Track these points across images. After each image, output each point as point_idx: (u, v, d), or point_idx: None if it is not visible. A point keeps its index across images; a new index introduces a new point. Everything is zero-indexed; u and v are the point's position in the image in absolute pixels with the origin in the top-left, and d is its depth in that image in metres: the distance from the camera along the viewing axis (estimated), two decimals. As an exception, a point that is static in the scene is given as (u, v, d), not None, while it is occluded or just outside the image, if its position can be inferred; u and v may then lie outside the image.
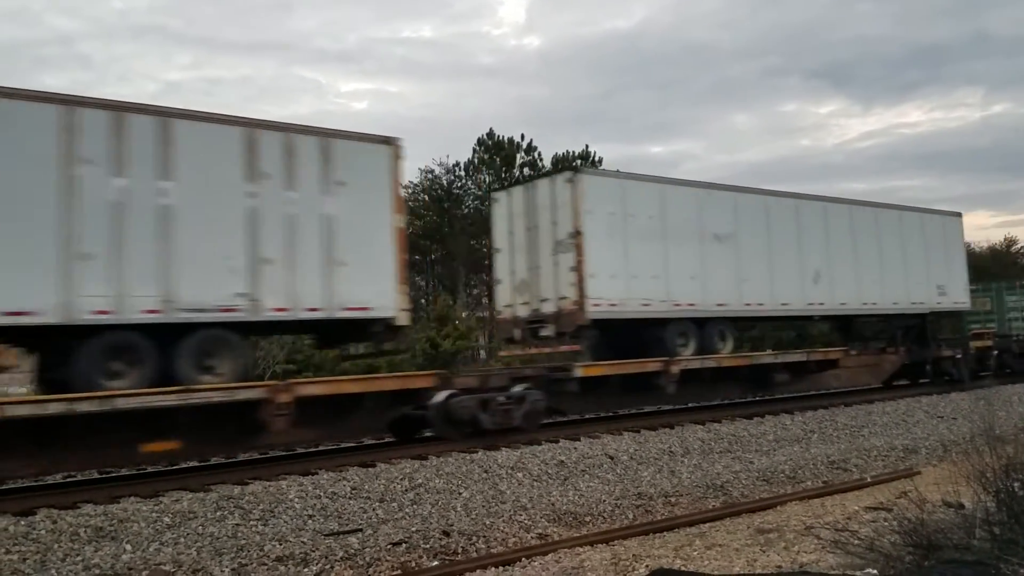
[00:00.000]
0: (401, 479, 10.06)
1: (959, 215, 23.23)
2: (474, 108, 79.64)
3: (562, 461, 11.33)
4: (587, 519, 8.86)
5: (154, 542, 7.65)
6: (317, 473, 10.37)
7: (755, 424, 14.79)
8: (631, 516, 9.07)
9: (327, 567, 7.13)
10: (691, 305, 16.22)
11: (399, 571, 7.11)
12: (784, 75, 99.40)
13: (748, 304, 17.21)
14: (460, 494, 9.62)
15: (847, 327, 20.90)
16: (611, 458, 11.68)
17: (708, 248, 16.64)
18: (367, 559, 7.31)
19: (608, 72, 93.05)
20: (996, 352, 23.23)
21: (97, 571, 6.84)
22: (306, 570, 7.06)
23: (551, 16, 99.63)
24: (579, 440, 12.78)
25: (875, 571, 5.79)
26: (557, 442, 12.58)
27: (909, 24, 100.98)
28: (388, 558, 7.37)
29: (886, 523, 7.39)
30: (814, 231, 18.80)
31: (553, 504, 9.23)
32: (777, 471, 11.25)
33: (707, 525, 8.46)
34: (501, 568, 7.07)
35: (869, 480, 10.67)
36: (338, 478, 10.07)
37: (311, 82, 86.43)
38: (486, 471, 10.64)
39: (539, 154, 41.22)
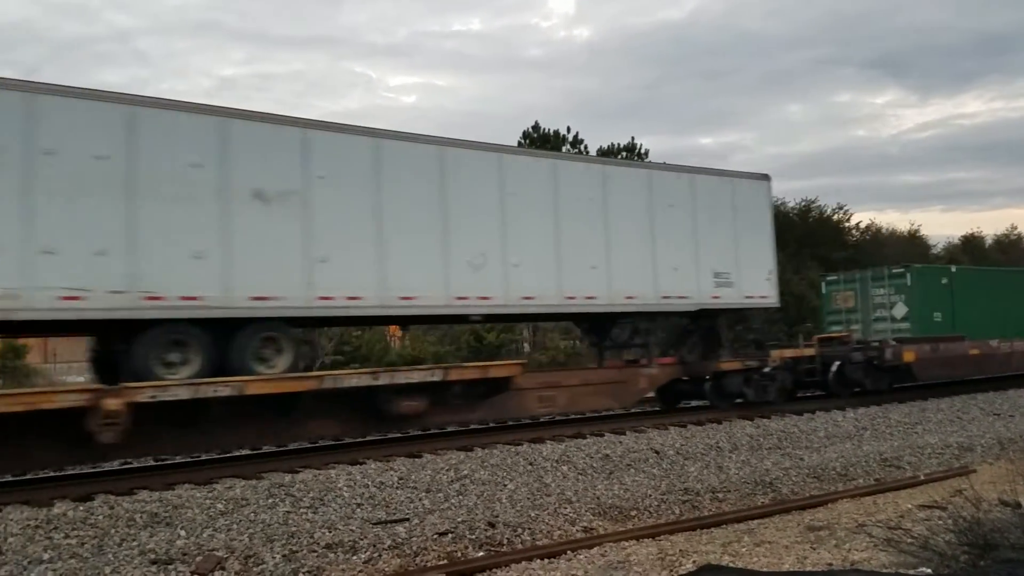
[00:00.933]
0: (447, 470, 10.14)
1: (766, 177, 17.29)
2: (522, 101, 79.72)
3: (607, 455, 11.30)
4: (632, 513, 8.82)
5: (207, 528, 7.82)
6: (365, 463, 10.50)
7: (805, 420, 14.57)
8: (677, 511, 9.01)
9: (375, 555, 7.22)
10: (191, 298, 10.60)
11: (445, 561, 7.17)
12: (839, 65, 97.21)
13: (327, 298, 11.60)
14: (505, 486, 9.66)
15: (600, 330, 15.87)
16: (657, 452, 11.62)
17: (242, 210, 11.06)
18: (414, 548, 7.38)
19: (657, 62, 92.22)
20: (832, 364, 17.92)
21: (152, 556, 7.02)
22: (355, 558, 7.16)
23: (601, 6, 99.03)
24: (624, 434, 12.73)
25: (929, 570, 5.66)
26: (602, 436, 12.55)
27: (968, 12, 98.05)
28: (434, 548, 7.44)
29: (940, 522, 7.23)
30: (482, 193, 13.19)
31: (598, 498, 9.21)
32: (828, 468, 11.07)
33: (756, 522, 8.36)
34: (546, 560, 7.08)
35: (923, 478, 10.44)
36: (385, 468, 10.19)
37: (361, 76, 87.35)
38: (531, 463, 10.67)
39: (585, 146, 40.97)
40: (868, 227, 48.70)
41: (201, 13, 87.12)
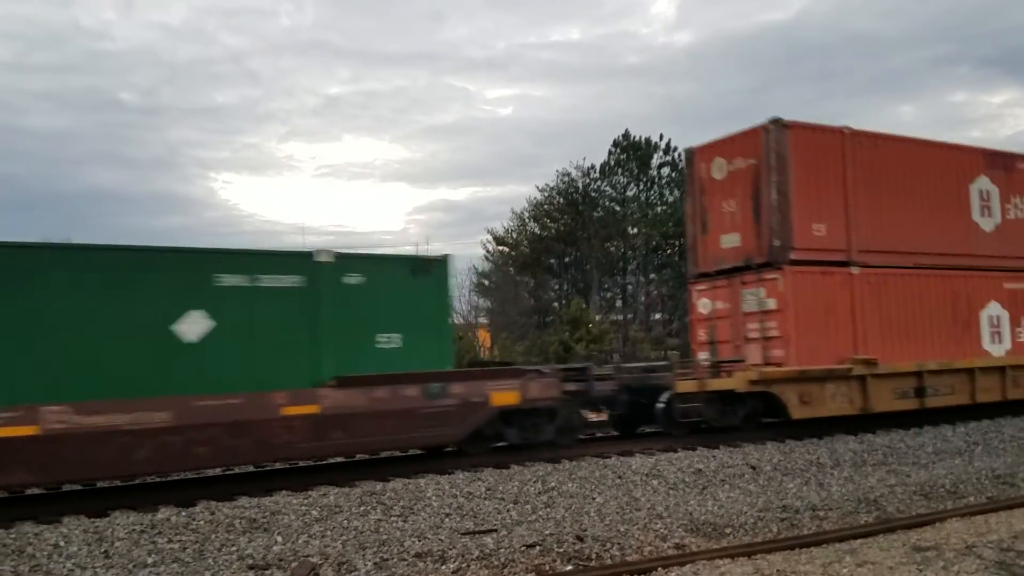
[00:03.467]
0: (534, 481, 10.09)
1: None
2: (618, 108, 79.14)
3: (699, 469, 11.03)
4: (727, 531, 8.56)
5: (303, 534, 8.01)
6: (453, 473, 10.56)
7: (912, 435, 13.91)
8: (775, 529, 8.70)
9: (464, 565, 7.23)
10: None
11: (533, 574, 7.11)
12: (953, 64, 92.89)
13: None
14: (594, 499, 9.54)
15: None
16: (753, 468, 11.27)
17: None
18: (502, 560, 7.36)
19: (762, 66, 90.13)
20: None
21: (250, 561, 7.22)
22: (444, 567, 7.19)
23: (703, 11, 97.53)
24: (718, 448, 12.41)
25: (1050, 599, 5.28)
26: (694, 450, 12.27)
27: None
28: (522, 560, 7.39)
29: (1062, 546, 6.75)
30: None
31: (691, 513, 8.99)
32: (936, 485, 10.50)
33: (859, 541, 7.99)
34: (637, 576, 6.94)
35: (1042, 498, 9.78)
36: (473, 478, 10.22)
37: (459, 90, 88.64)
38: (620, 477, 10.51)
39: (679, 154, 40.39)
40: None
41: (310, 33, 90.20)
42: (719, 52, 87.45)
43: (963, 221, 16.57)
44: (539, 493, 9.66)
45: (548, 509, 9.07)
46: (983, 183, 17.01)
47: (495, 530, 8.22)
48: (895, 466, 11.76)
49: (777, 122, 14.48)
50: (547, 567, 7.27)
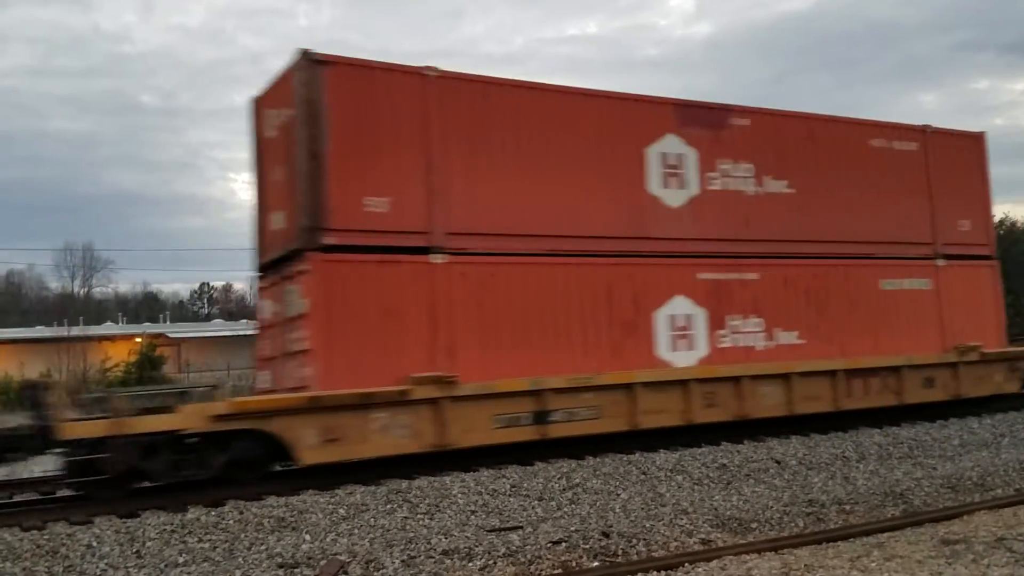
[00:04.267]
0: (559, 478, 10.12)
1: None
2: (635, 102, 78.69)
3: (724, 464, 11.01)
4: (753, 526, 8.55)
5: (331, 533, 8.09)
6: (478, 470, 10.60)
7: (938, 428, 13.79)
8: (801, 524, 8.67)
9: (490, 562, 7.27)
10: None
11: (560, 570, 7.14)
12: (977, 50, 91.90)
13: None
14: (618, 495, 9.55)
15: None
16: (778, 462, 11.23)
17: None
18: (528, 556, 7.39)
19: (782, 55, 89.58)
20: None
21: (279, 560, 7.30)
22: (471, 564, 7.23)
23: (722, 2, 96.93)
24: (742, 443, 12.37)
25: (1083, 592, 5.23)
26: (718, 444, 12.24)
27: None
28: (548, 556, 7.42)
29: (1094, 539, 6.68)
30: None
31: (716, 509, 8.98)
32: (963, 478, 10.42)
33: (886, 535, 7.95)
34: (663, 572, 6.94)
35: (1072, 490, 9.68)
36: (498, 475, 10.26)
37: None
38: (644, 472, 10.52)
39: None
40: (1002, 221, 45.77)
41: (328, 32, 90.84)
42: (739, 42, 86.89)
43: (633, 194, 12.74)
44: (563, 490, 9.68)
45: (573, 505, 9.10)
46: (670, 144, 13.09)
47: (521, 527, 8.26)
48: (921, 459, 11.68)
49: (309, 57, 10.73)
50: (573, 563, 7.30)
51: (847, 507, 9.23)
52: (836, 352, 14.12)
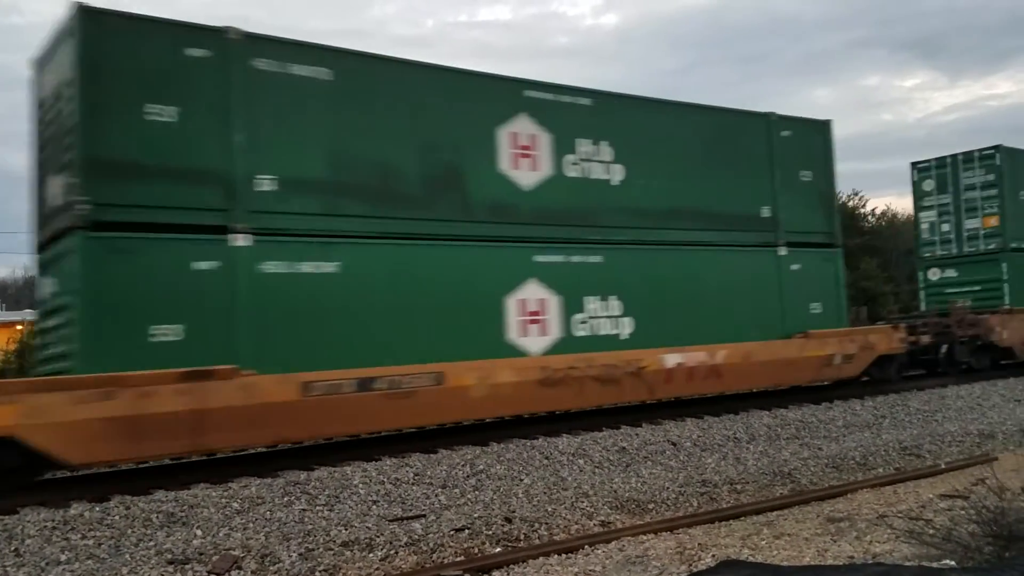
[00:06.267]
0: (463, 465, 10.10)
1: None
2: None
3: (623, 447, 11.23)
4: (650, 506, 8.76)
5: (224, 527, 7.82)
6: (380, 459, 10.47)
7: (823, 409, 14.45)
8: (696, 504, 8.94)
9: (392, 552, 7.19)
10: None
11: (462, 557, 7.13)
12: (871, 47, 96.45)
13: None
14: (521, 480, 9.61)
15: None
16: (674, 444, 11.54)
17: None
18: (431, 545, 7.35)
19: (690, 47, 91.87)
20: None
21: (169, 556, 7.02)
22: (371, 555, 7.13)
23: None
24: (640, 426, 12.65)
25: (953, 563, 5.57)
26: (618, 428, 12.48)
27: None
28: (451, 544, 7.40)
29: (963, 512, 7.12)
30: None
31: (615, 491, 9.15)
32: (847, 458, 10.96)
33: (775, 513, 8.28)
34: (564, 555, 7.03)
35: (944, 467, 10.32)
36: (401, 464, 10.16)
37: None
38: (547, 457, 10.62)
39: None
40: (884, 213, 48.29)
41: (231, 9, 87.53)
42: (647, 34, 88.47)
43: None
44: (467, 476, 9.67)
45: (476, 492, 9.10)
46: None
47: (423, 515, 8.20)
48: (807, 439, 12.21)
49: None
50: (476, 550, 7.30)
51: (738, 487, 9.56)
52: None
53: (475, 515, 8.17)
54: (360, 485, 9.21)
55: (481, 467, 10.05)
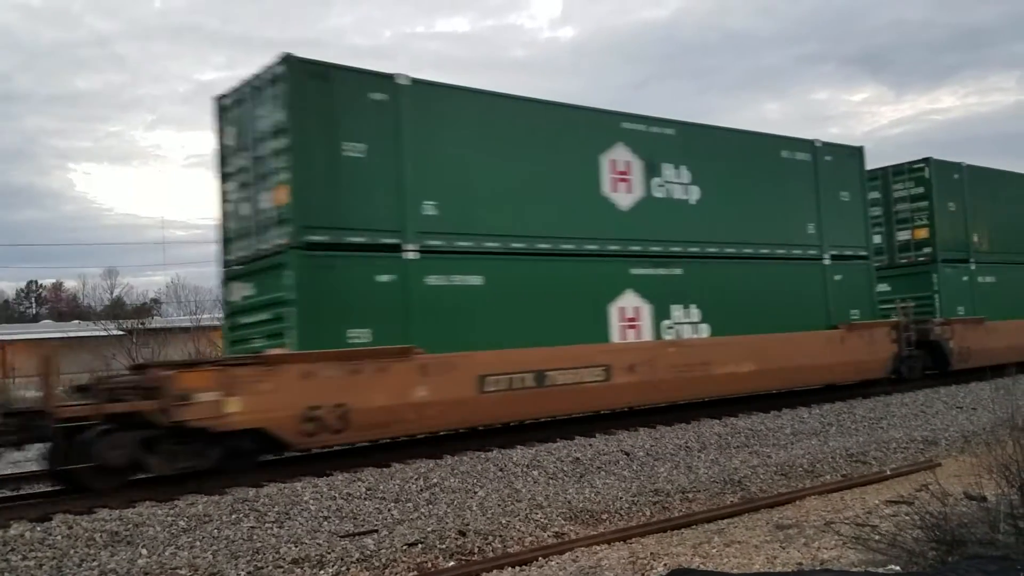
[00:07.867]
0: (416, 479, 10.02)
1: None
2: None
3: (577, 458, 11.26)
4: (604, 517, 8.79)
5: (170, 546, 7.63)
6: (332, 474, 10.34)
7: (772, 418, 14.68)
8: (648, 513, 9.00)
9: (343, 569, 7.10)
10: None
11: (415, 572, 7.07)
12: (820, 62, 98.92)
13: None
14: (475, 493, 9.57)
15: None
16: (627, 454, 11.61)
17: None
18: (383, 560, 7.27)
19: (644, 61, 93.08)
20: None
21: (113, 576, 6.83)
22: (322, 572, 7.03)
23: (586, 7, 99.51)
24: (594, 436, 12.71)
25: (898, 567, 5.69)
26: (572, 439, 12.52)
27: (952, 7, 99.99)
28: (404, 559, 7.33)
29: (907, 517, 7.28)
30: None
31: (569, 502, 9.16)
32: (795, 465, 11.14)
33: (725, 521, 8.38)
34: (518, 568, 7.01)
35: (889, 473, 10.55)
36: (353, 479, 10.04)
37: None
38: (501, 469, 10.59)
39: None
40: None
41: (183, 17, 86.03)
42: (602, 48, 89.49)
43: None
44: (421, 490, 9.60)
45: (430, 506, 9.03)
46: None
47: (375, 530, 8.11)
48: (757, 447, 12.39)
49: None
50: (429, 564, 7.24)
51: (690, 495, 9.65)
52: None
53: (428, 529, 8.11)
54: (311, 501, 9.08)
55: (435, 480, 9.99)
